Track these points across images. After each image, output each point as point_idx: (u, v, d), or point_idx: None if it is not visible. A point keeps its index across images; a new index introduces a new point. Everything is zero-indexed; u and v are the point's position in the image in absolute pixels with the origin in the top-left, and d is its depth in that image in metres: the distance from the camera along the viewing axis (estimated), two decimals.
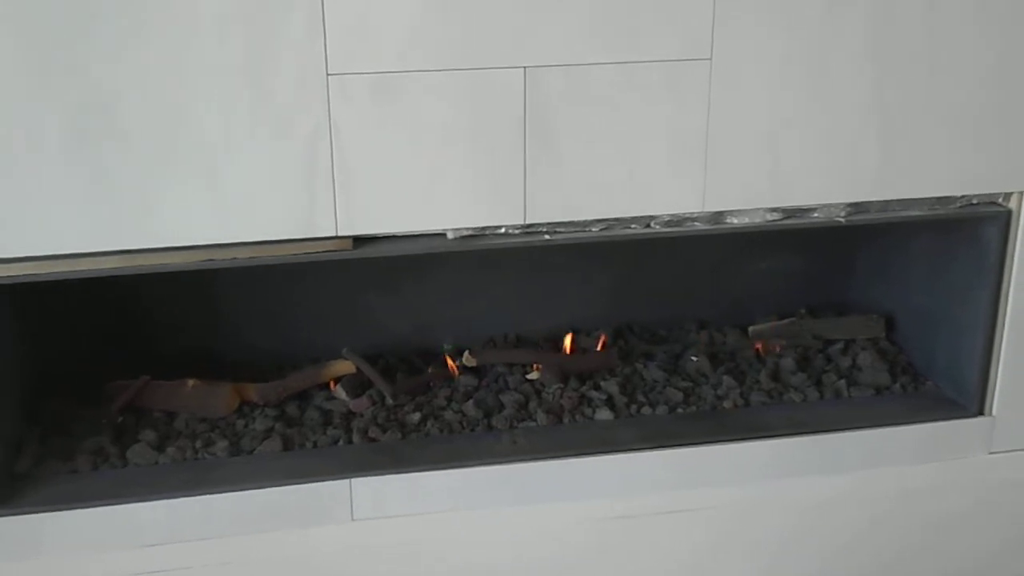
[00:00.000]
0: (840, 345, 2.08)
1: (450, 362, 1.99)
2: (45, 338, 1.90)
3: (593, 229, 1.66)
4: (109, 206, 1.48)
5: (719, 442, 1.79)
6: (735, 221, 1.69)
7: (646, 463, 1.77)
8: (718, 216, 1.68)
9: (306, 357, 2.03)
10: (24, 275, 1.50)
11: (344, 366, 1.93)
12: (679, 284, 2.18)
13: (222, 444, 1.76)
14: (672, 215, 1.66)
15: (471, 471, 1.73)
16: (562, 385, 1.93)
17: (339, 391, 1.91)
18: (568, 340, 2.03)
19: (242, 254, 1.56)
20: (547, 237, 1.65)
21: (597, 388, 1.94)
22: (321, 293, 2.02)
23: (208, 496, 1.66)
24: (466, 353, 1.98)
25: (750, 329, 2.12)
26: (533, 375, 1.95)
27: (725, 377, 1.97)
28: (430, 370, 1.99)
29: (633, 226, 1.67)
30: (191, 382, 1.87)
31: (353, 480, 1.70)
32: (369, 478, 1.70)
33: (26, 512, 1.61)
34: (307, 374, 1.94)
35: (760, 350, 2.07)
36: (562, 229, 1.65)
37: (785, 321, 2.12)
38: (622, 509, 1.77)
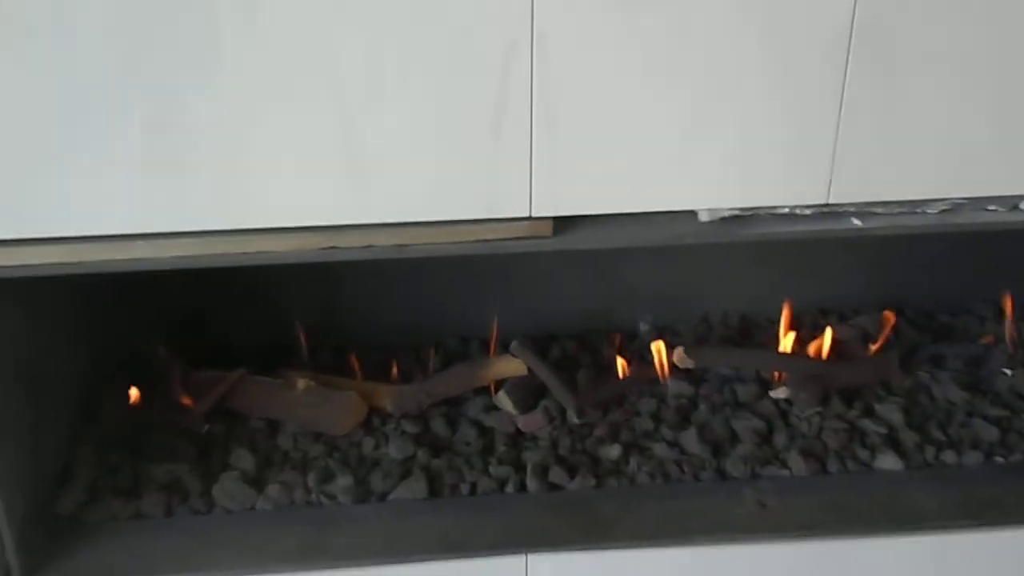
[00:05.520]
0: None
1: (658, 357, 1.41)
2: (107, 318, 1.39)
3: (929, 211, 1.04)
4: (190, 170, 0.93)
5: None
6: None
7: (960, 548, 1.20)
8: None
9: (455, 346, 1.48)
10: (74, 263, 0.98)
11: (510, 365, 1.39)
12: (962, 249, 1.54)
13: (344, 481, 1.25)
14: None
15: (700, 551, 1.18)
16: (820, 409, 1.35)
17: (503, 399, 1.37)
18: (827, 336, 1.42)
19: (383, 240, 1.00)
20: (856, 223, 1.04)
21: (871, 414, 1.35)
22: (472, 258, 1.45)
23: (324, 571, 1.15)
24: (679, 349, 1.40)
25: None
26: (779, 392, 1.37)
27: None
28: (626, 374, 1.42)
29: (993, 208, 1.05)
30: (302, 382, 1.35)
31: (530, 556, 1.17)
32: (552, 555, 1.17)
33: None
34: (459, 374, 1.39)
35: None
36: (880, 210, 1.04)
37: None
38: None
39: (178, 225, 0.96)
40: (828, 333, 1.41)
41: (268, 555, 1.16)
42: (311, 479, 1.26)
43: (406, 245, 0.99)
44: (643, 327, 1.54)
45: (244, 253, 0.99)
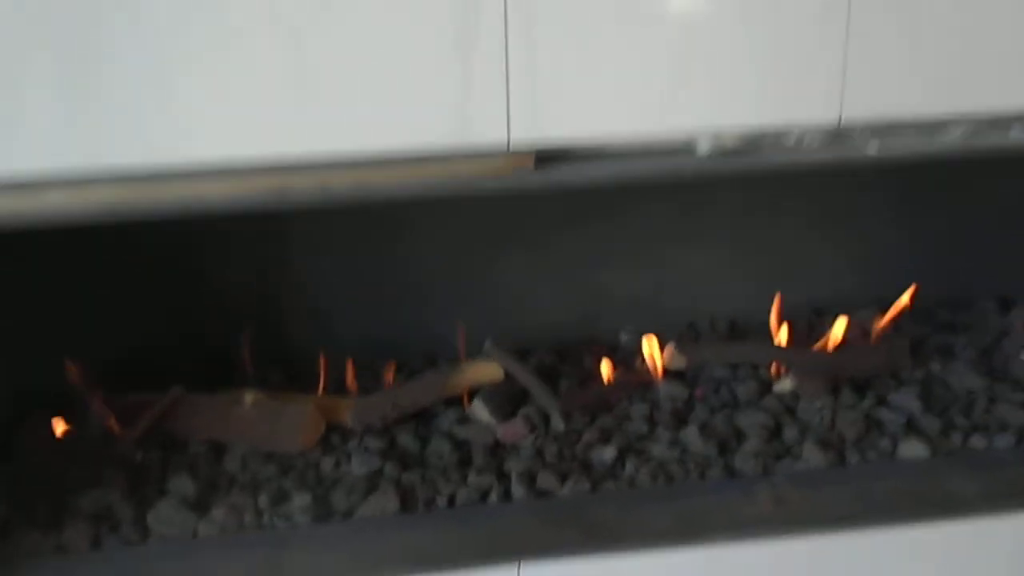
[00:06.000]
0: None
1: (649, 355, 1.28)
2: (21, 329, 1.22)
3: (952, 133, 0.94)
4: (109, 99, 0.79)
5: None
6: None
7: (1007, 532, 1.06)
8: None
9: (421, 352, 1.34)
10: None
11: (485, 370, 1.24)
12: (964, 239, 1.45)
13: (301, 500, 1.08)
14: None
15: (714, 551, 1.03)
16: (831, 399, 1.22)
17: (478, 408, 1.22)
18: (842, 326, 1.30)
19: (339, 180, 0.86)
20: (871, 151, 0.93)
21: (884, 403, 1.23)
22: (438, 249, 1.32)
23: None
24: (669, 347, 1.27)
25: None
26: (783, 385, 1.24)
27: None
28: (612, 375, 1.28)
29: (1016, 131, 0.95)
30: (250, 396, 1.19)
31: (523, 566, 1.00)
32: (550, 563, 1.01)
33: None
34: (428, 383, 1.25)
35: None
36: (898, 134, 0.93)
37: None
38: None
39: (96, 163, 0.82)
40: (841, 321, 1.29)
41: None
42: (263, 501, 1.09)
43: (367, 184, 0.86)
44: (625, 337, 1.41)
45: (176, 201, 0.85)
